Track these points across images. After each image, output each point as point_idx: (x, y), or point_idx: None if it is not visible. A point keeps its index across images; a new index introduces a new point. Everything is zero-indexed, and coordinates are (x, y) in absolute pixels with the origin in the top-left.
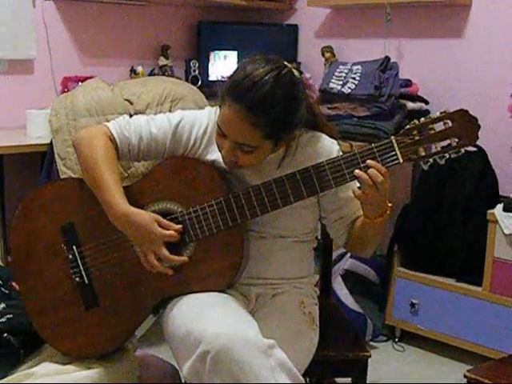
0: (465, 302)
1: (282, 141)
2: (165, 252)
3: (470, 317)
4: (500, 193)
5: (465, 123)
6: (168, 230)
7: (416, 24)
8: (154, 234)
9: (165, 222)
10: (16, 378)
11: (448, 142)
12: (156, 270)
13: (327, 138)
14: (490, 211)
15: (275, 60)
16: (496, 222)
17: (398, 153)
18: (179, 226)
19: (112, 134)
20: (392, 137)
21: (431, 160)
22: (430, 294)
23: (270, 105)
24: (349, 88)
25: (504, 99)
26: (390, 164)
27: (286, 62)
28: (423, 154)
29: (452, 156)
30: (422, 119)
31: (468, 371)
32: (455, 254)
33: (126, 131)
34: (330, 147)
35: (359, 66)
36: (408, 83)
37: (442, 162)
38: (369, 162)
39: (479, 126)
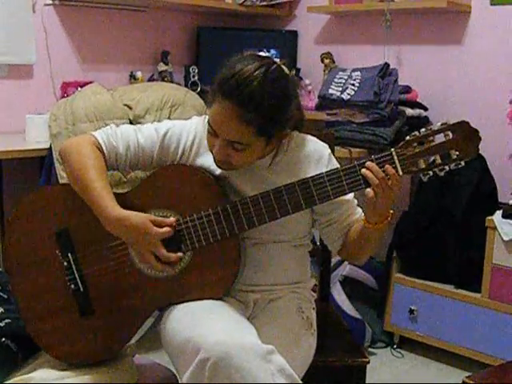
0: (463, 308)
1: (274, 138)
2: (163, 250)
3: (468, 323)
4: (499, 199)
5: (465, 135)
6: (162, 226)
7: (415, 30)
8: (149, 235)
9: (158, 219)
10: (14, 382)
11: (448, 154)
12: (157, 270)
13: (318, 141)
14: (488, 218)
15: (264, 57)
16: (495, 228)
17: (398, 165)
18: (173, 219)
19: (99, 143)
20: (392, 149)
21: (431, 172)
22: (428, 301)
23: (260, 100)
24: (348, 94)
25: (503, 106)
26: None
27: (275, 59)
28: (423, 166)
29: (452, 168)
30: (423, 130)
31: (466, 378)
32: (454, 260)
33: (114, 140)
34: (321, 151)
35: (358, 73)
36: (407, 89)
37: (442, 173)
38: (367, 163)
39: (480, 139)
